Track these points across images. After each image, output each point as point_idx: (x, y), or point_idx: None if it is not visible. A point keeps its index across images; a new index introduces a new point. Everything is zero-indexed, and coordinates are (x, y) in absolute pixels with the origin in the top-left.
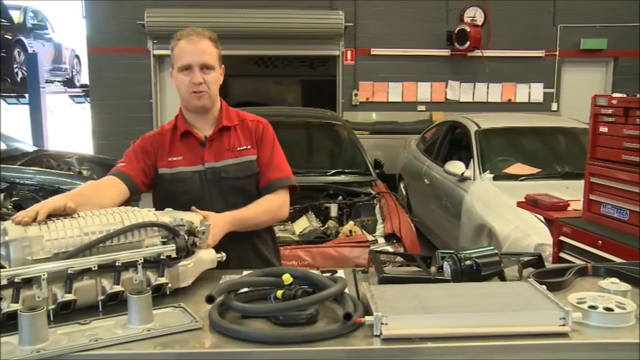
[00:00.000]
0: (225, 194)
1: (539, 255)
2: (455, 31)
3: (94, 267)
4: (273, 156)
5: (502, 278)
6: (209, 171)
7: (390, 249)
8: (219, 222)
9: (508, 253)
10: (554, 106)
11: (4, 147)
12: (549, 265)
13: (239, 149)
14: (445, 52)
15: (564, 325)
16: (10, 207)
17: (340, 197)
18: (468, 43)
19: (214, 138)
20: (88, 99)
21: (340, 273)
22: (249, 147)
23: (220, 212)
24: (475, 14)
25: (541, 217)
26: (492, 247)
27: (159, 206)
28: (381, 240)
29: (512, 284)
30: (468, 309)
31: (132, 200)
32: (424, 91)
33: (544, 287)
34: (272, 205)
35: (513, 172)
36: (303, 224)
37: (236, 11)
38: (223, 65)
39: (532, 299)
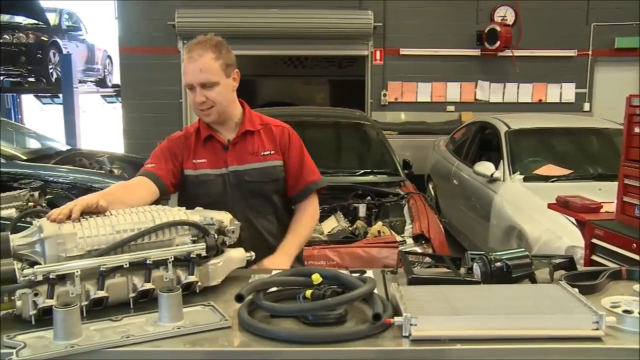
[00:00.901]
0: (246, 197)
1: (571, 257)
2: (486, 31)
3: (126, 264)
4: (304, 161)
5: (533, 280)
6: (232, 174)
7: (418, 249)
8: (286, 260)
9: (539, 255)
10: (586, 107)
11: (38, 146)
12: (581, 268)
13: (262, 153)
14: (475, 52)
15: (597, 329)
16: (44, 204)
17: (368, 198)
18: (498, 43)
19: (237, 142)
20: (119, 98)
21: (369, 273)
22: (272, 152)
23: (240, 214)
24: (505, 14)
25: (572, 219)
26: (522, 249)
27: (183, 205)
28: (410, 240)
29: (544, 287)
30: (498, 310)
31: (162, 200)
32: (453, 91)
33: (577, 290)
34: (314, 214)
35: (544, 173)
36: (331, 224)
37: (265, 11)
38: (237, 70)
39: (564, 302)
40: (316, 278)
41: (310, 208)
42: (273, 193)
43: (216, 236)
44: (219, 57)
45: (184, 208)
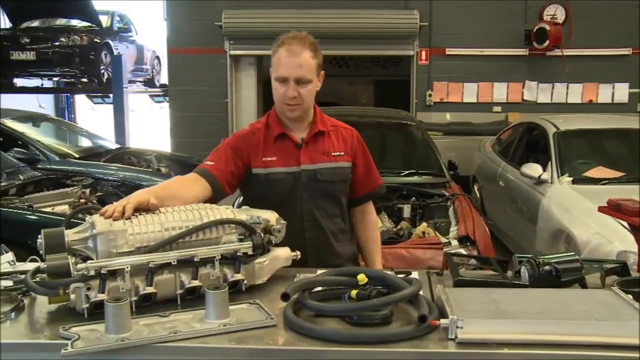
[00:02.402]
0: (316, 197)
1: (624, 262)
2: (534, 30)
3: (174, 261)
4: (370, 166)
5: (583, 285)
6: (304, 173)
7: (463, 251)
8: None
9: (589, 259)
10: None
11: (90, 144)
12: (634, 274)
13: (333, 153)
14: (523, 52)
15: None
16: (95, 201)
17: (413, 198)
18: (547, 42)
19: (309, 141)
20: (166, 98)
21: (415, 274)
22: (342, 153)
23: (308, 214)
24: (555, 12)
25: (624, 223)
26: (572, 253)
27: (250, 205)
28: (454, 242)
29: (595, 292)
30: (547, 315)
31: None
32: (500, 92)
33: (630, 296)
34: (377, 224)
35: (594, 175)
36: None
37: (311, 12)
38: (323, 72)
39: (617, 309)
40: (362, 278)
41: (373, 216)
42: (341, 194)
43: (262, 235)
44: (315, 57)
45: (231, 206)
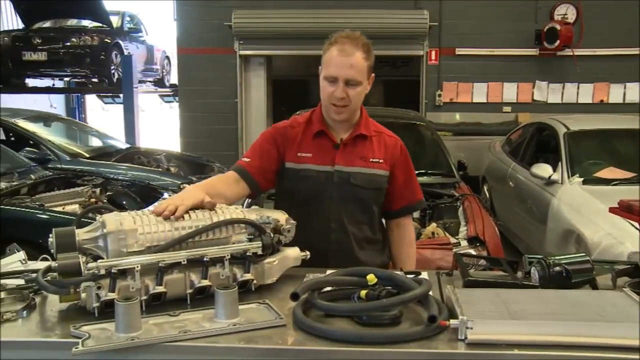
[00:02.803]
0: (345, 200)
1: (636, 264)
2: (545, 29)
3: (184, 261)
4: (411, 177)
5: (594, 286)
6: (337, 174)
7: (473, 252)
8: None
9: (600, 260)
10: None
11: (100, 144)
12: None
13: (371, 159)
14: (533, 52)
15: None
16: (105, 201)
17: None
18: (558, 42)
19: (348, 143)
20: (176, 98)
21: (424, 275)
22: (381, 161)
23: (335, 216)
24: (566, 11)
25: (636, 224)
26: (583, 254)
27: (279, 198)
28: (464, 242)
29: (606, 293)
30: (558, 316)
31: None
32: (510, 92)
33: None
34: (414, 241)
35: (604, 176)
36: None
37: (320, 12)
38: (373, 74)
39: (628, 310)
40: (371, 278)
41: (408, 231)
42: (373, 202)
43: (272, 235)
44: (367, 59)
45: (241, 207)
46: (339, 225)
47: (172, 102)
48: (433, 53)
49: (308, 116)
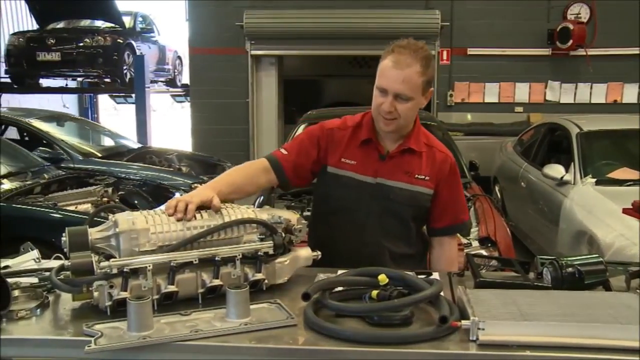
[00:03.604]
0: (383, 214)
1: None
2: (557, 29)
3: (195, 260)
4: (457, 198)
5: (607, 288)
6: (378, 187)
7: (484, 252)
8: None
9: (613, 262)
10: None
11: (112, 144)
12: None
13: (416, 176)
14: (546, 52)
15: None
16: (117, 200)
17: None
18: (571, 41)
19: (394, 155)
20: (188, 98)
21: (435, 275)
22: (427, 178)
23: (370, 230)
24: (580, 11)
25: None
26: (596, 255)
27: (316, 201)
28: (475, 243)
29: (619, 295)
30: (570, 318)
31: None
32: (522, 92)
33: None
34: (455, 261)
35: (618, 176)
36: None
37: (332, 12)
38: (432, 89)
39: None
40: (382, 279)
41: (450, 251)
42: (412, 219)
43: (283, 234)
44: (425, 74)
45: (252, 206)
46: (374, 240)
47: (183, 102)
48: (445, 53)
49: (358, 120)
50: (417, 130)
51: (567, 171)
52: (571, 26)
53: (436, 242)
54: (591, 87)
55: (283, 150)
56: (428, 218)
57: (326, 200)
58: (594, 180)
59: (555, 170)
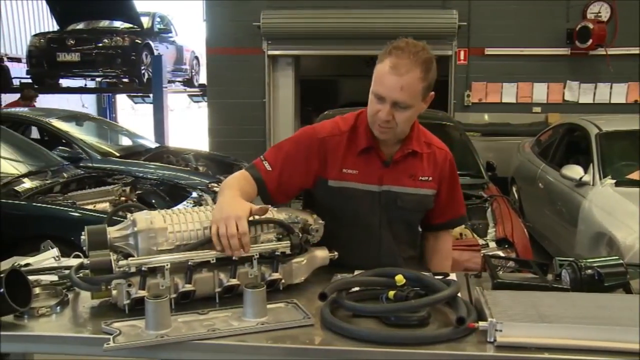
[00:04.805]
0: (392, 222)
1: None
2: (577, 29)
3: (212, 260)
4: (455, 193)
5: (628, 290)
6: (384, 194)
7: (501, 253)
8: None
9: (633, 264)
10: None
11: (130, 143)
12: None
13: (420, 178)
14: (564, 51)
15: None
16: (135, 199)
17: None
18: (590, 41)
19: (399, 160)
20: (205, 98)
21: (452, 276)
22: (430, 179)
23: (385, 240)
24: (600, 10)
25: None
26: (616, 257)
27: (321, 216)
28: (492, 244)
29: None
30: (590, 320)
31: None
32: (540, 92)
33: None
34: (450, 254)
35: (638, 178)
36: None
37: (349, 12)
38: (432, 93)
39: None
40: (399, 279)
41: (446, 245)
42: (417, 223)
43: (300, 234)
44: (425, 79)
45: (270, 206)
46: (388, 250)
47: (200, 101)
48: (462, 53)
49: (352, 123)
50: (417, 131)
51: (585, 172)
52: (591, 25)
53: (432, 236)
54: (611, 87)
55: (267, 165)
56: (427, 216)
57: (334, 214)
58: (614, 181)
59: (574, 171)
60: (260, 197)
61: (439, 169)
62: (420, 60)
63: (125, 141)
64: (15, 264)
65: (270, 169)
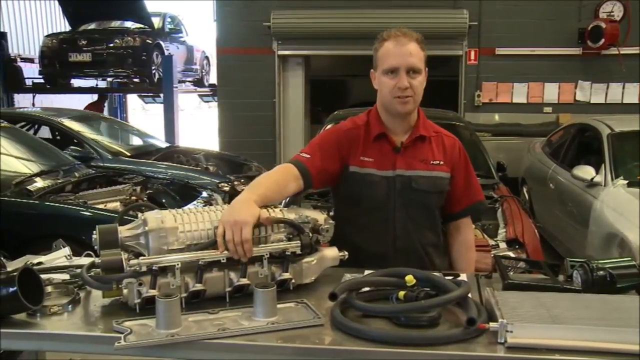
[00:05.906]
0: (408, 205)
1: None
2: (589, 28)
3: (223, 259)
4: (470, 179)
5: None
6: (399, 179)
7: (512, 254)
8: None
9: None
10: None
11: (140, 143)
12: None
13: (432, 162)
14: (576, 51)
15: None
16: (145, 199)
17: None
18: (603, 40)
19: (408, 145)
20: (215, 98)
21: (463, 277)
22: (441, 162)
23: (400, 224)
24: (613, 9)
25: None
26: (629, 258)
27: (341, 204)
28: (503, 245)
29: None
30: (601, 322)
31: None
32: (551, 92)
33: None
34: (473, 245)
35: None
36: None
37: (359, 12)
38: (427, 68)
39: None
40: (410, 279)
41: (469, 235)
42: (436, 206)
43: (311, 234)
44: (423, 49)
45: (280, 206)
46: (405, 234)
47: (211, 101)
48: (472, 53)
49: (365, 119)
50: (423, 118)
51: (597, 173)
52: (603, 25)
53: (454, 227)
54: (623, 87)
55: (305, 155)
56: (446, 205)
57: (352, 201)
58: (626, 182)
59: (585, 171)
60: (304, 185)
61: (449, 154)
62: (413, 36)
63: (136, 141)
64: (28, 263)
65: (309, 156)
